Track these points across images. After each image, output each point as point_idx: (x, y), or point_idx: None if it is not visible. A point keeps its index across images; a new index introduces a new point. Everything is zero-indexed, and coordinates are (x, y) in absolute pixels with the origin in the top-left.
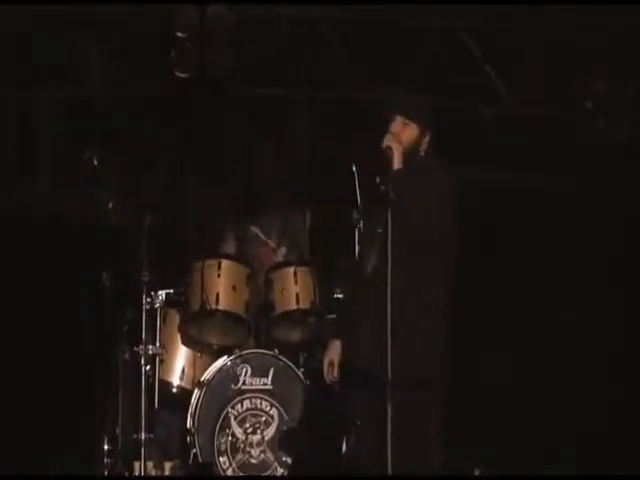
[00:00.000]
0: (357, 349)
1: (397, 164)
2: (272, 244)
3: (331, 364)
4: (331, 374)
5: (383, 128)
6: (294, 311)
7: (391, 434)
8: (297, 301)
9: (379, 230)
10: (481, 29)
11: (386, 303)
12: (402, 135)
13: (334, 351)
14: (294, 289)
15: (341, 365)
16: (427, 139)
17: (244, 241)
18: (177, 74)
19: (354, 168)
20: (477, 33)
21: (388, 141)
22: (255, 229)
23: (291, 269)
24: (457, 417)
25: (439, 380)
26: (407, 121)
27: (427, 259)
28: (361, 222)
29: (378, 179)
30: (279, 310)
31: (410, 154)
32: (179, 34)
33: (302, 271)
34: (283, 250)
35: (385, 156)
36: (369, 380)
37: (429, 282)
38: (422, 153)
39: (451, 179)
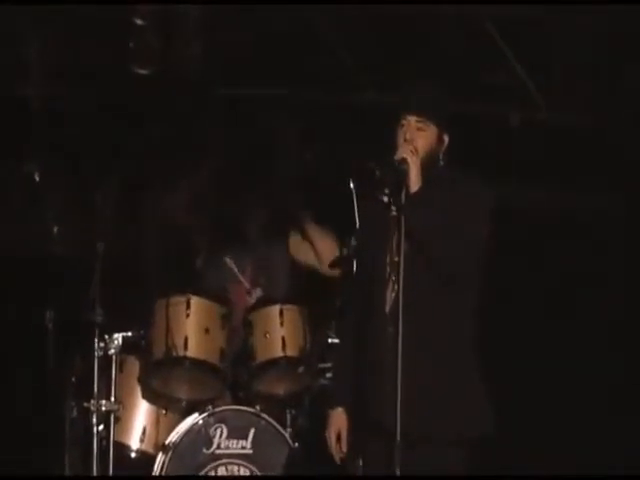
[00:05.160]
0: (371, 404)
1: (415, 182)
2: (246, 284)
3: (338, 438)
4: (340, 450)
5: (392, 135)
6: (279, 359)
7: None
8: (283, 347)
9: (396, 259)
10: (509, 18)
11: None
12: (417, 143)
13: (339, 421)
14: (279, 332)
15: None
16: (445, 145)
17: (215, 273)
18: (136, 71)
19: (352, 185)
20: (504, 23)
21: (403, 152)
22: (230, 262)
23: (276, 308)
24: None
25: (469, 439)
26: (422, 124)
27: (455, 298)
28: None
29: (390, 200)
30: (261, 358)
31: (428, 165)
32: (139, 22)
33: (289, 310)
34: (258, 292)
35: (399, 172)
36: (384, 437)
37: (457, 325)
38: (442, 162)
39: (488, 201)
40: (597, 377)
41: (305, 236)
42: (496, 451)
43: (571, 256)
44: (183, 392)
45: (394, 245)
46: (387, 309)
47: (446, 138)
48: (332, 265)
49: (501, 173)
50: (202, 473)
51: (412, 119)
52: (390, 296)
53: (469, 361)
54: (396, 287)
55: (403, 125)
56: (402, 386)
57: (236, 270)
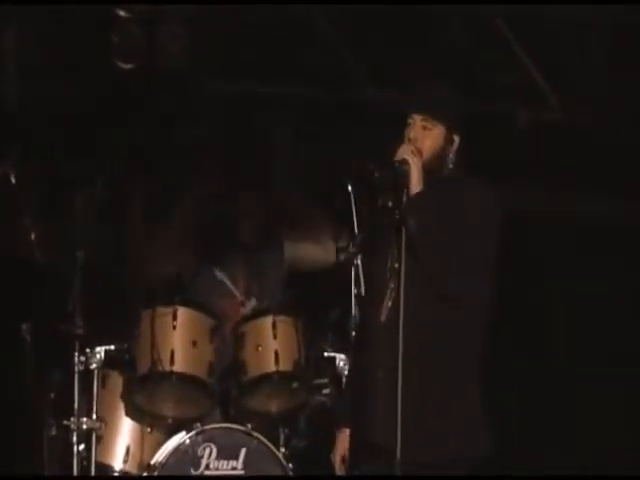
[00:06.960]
0: (366, 422)
1: (416, 184)
2: (239, 296)
3: (343, 460)
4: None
5: (395, 134)
6: (272, 374)
7: None
8: (276, 361)
9: (396, 265)
10: (519, 12)
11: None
12: (423, 143)
13: (346, 443)
14: (272, 345)
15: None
16: (456, 146)
17: (207, 287)
18: (119, 65)
19: (350, 188)
20: (514, 17)
21: (403, 153)
22: (220, 275)
23: (269, 319)
24: None
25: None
26: (429, 123)
27: (456, 310)
28: (359, 257)
29: (390, 203)
30: (253, 373)
31: (434, 168)
32: (122, 13)
33: (283, 322)
34: (252, 302)
35: (399, 173)
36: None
37: (459, 338)
38: (450, 165)
39: (492, 203)
40: (599, 385)
41: (304, 231)
42: (496, 470)
43: (572, 257)
44: (169, 409)
45: (395, 252)
46: (382, 319)
47: (456, 139)
48: (340, 250)
49: (506, 174)
50: None
51: (417, 118)
52: (387, 305)
53: (469, 376)
54: (393, 295)
55: (409, 124)
56: (397, 404)
57: (228, 283)
